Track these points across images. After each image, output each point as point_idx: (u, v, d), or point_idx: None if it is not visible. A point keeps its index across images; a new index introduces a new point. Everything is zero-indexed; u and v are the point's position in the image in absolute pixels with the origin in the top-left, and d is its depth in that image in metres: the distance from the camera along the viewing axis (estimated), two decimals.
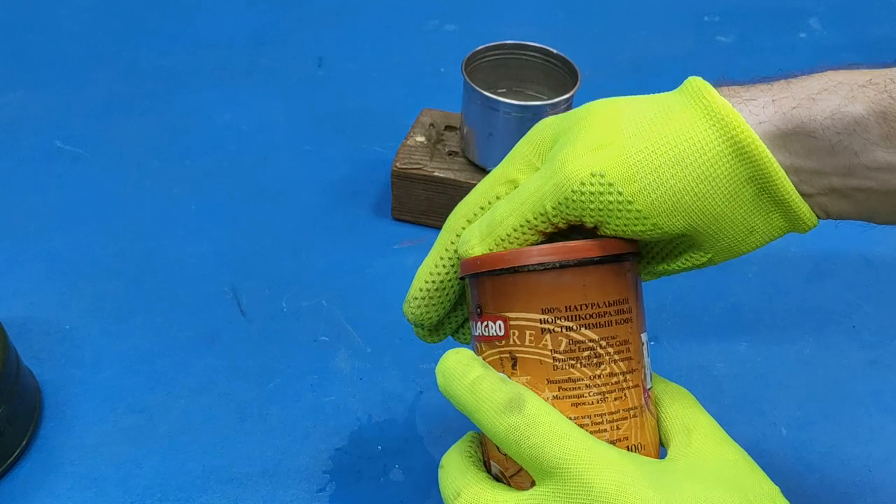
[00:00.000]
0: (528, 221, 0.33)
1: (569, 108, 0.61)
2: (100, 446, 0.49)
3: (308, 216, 0.66)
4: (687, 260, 0.35)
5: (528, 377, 0.33)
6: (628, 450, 0.33)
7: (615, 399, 0.33)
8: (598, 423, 0.33)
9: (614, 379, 0.33)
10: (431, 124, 0.66)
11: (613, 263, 0.33)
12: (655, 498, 0.29)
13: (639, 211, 0.31)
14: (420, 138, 0.65)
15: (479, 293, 0.34)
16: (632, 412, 0.33)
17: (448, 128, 0.66)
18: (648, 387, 0.35)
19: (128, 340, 0.55)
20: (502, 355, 0.33)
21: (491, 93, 0.58)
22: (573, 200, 0.32)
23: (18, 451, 0.48)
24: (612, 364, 0.33)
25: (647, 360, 0.35)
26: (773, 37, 0.94)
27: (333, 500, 0.47)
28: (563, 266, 0.32)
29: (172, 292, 0.59)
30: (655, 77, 0.86)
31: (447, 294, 0.38)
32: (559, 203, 0.32)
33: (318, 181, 0.70)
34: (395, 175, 0.63)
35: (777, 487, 0.32)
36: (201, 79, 0.82)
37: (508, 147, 0.61)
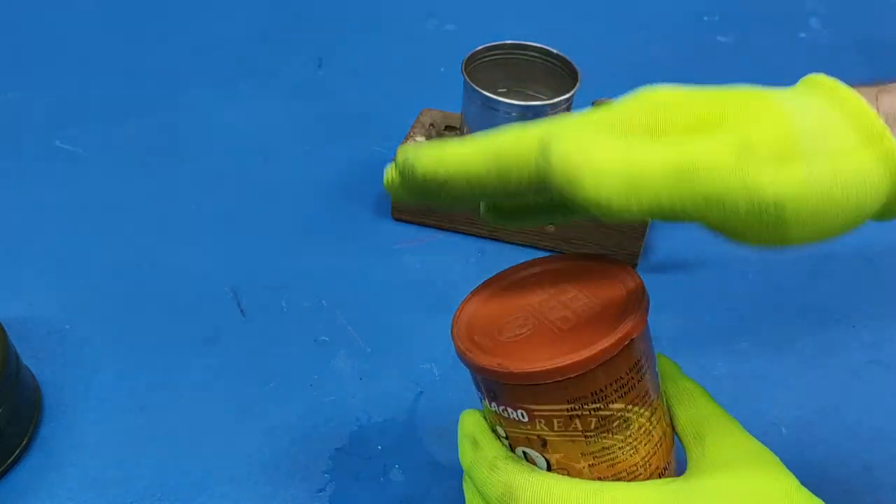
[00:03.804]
0: (676, 185, 0.27)
1: (569, 108, 0.61)
2: (100, 446, 0.49)
3: (308, 216, 0.66)
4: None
5: (561, 454, 0.33)
6: (659, 476, 0.34)
7: (645, 444, 0.33)
8: (633, 472, 0.33)
9: (643, 430, 0.33)
10: (431, 124, 0.66)
11: (630, 341, 0.32)
12: None
13: (784, 238, 0.28)
14: (420, 138, 0.65)
15: (491, 384, 0.33)
16: (658, 444, 0.34)
17: (448, 128, 0.66)
18: (663, 402, 0.35)
19: (128, 340, 0.55)
20: (529, 436, 0.33)
21: (491, 93, 0.58)
22: (749, 212, 0.27)
23: (18, 450, 0.48)
24: (640, 418, 0.33)
25: (657, 378, 0.35)
26: (773, 37, 0.94)
27: (333, 500, 0.47)
28: (592, 370, 0.31)
29: (172, 292, 0.59)
30: (655, 77, 0.85)
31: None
32: (734, 205, 0.27)
33: (318, 181, 0.70)
34: None
35: (793, 479, 0.32)
36: (201, 79, 0.82)
37: None
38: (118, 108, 0.77)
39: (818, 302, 0.61)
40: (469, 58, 0.62)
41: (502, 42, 0.63)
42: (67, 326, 0.56)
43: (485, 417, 0.36)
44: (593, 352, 0.31)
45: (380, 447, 0.50)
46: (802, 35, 0.95)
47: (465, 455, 0.35)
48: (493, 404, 0.34)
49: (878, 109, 0.29)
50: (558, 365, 0.31)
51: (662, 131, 0.29)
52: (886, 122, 0.28)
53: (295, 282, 0.60)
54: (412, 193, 0.33)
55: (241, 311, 0.58)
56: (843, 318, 0.60)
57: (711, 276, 0.63)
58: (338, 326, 0.57)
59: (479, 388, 0.35)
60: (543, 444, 0.33)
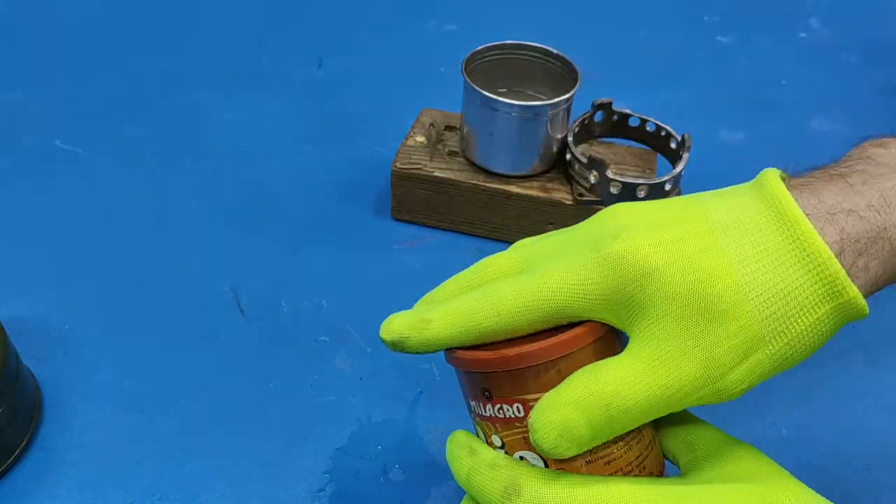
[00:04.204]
0: (654, 412, 0.32)
1: (568, 108, 0.61)
2: (100, 446, 0.49)
3: (308, 216, 0.66)
4: None
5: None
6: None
7: (637, 443, 0.33)
8: (628, 472, 0.33)
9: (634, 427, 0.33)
10: (431, 124, 0.66)
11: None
12: None
13: (742, 392, 0.32)
14: (420, 138, 0.65)
15: (486, 381, 0.33)
16: (649, 447, 0.34)
17: (448, 128, 0.66)
18: None
19: (128, 340, 0.55)
20: (525, 435, 0.33)
21: (491, 93, 0.58)
22: (717, 401, 0.32)
23: (18, 450, 0.48)
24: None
25: None
26: (773, 37, 0.94)
27: (333, 500, 0.47)
28: (582, 348, 0.32)
29: (172, 292, 0.59)
30: (655, 77, 0.86)
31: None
32: (702, 402, 0.32)
33: (318, 181, 0.70)
34: (395, 175, 0.63)
35: (799, 484, 0.32)
36: (201, 79, 0.82)
37: (508, 147, 0.61)
38: (118, 108, 0.77)
39: None
40: (469, 58, 0.62)
41: (502, 42, 0.63)
42: (67, 326, 0.56)
43: (477, 434, 0.36)
44: (591, 327, 0.32)
45: (380, 447, 0.50)
46: (802, 35, 0.95)
47: (462, 464, 0.34)
48: (488, 407, 0.33)
49: (842, 245, 0.30)
50: (558, 340, 0.31)
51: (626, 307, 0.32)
52: (854, 258, 0.30)
53: (295, 282, 0.60)
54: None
55: (241, 311, 0.58)
56: None
57: None
58: (338, 326, 0.57)
59: (470, 396, 0.35)
60: None
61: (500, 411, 0.33)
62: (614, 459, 0.33)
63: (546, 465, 0.33)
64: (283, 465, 0.49)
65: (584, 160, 0.59)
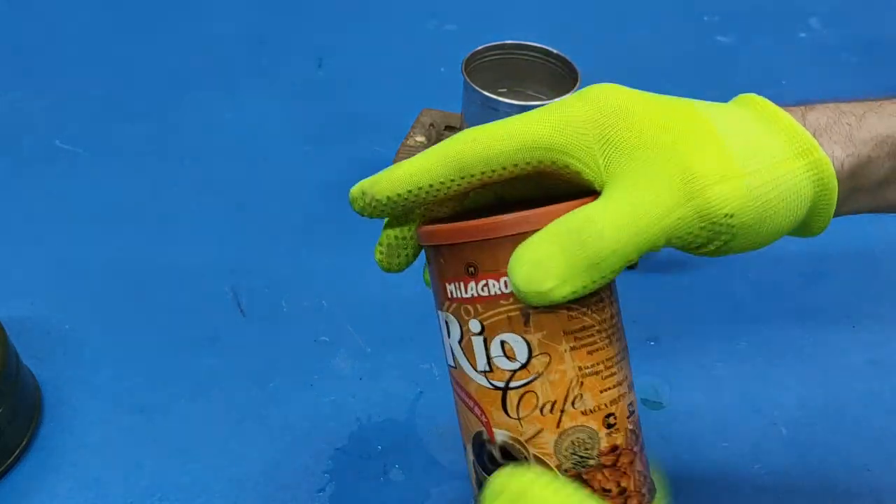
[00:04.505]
0: (641, 242, 0.30)
1: None
2: (100, 446, 0.49)
3: (308, 216, 0.66)
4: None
5: (544, 332, 0.32)
6: (629, 406, 0.33)
7: (617, 340, 0.33)
8: (609, 368, 0.32)
9: (613, 320, 0.33)
10: (431, 124, 0.66)
11: None
12: None
13: (731, 246, 0.32)
14: (420, 138, 0.65)
15: (471, 254, 0.32)
16: (624, 353, 0.33)
17: (448, 128, 0.66)
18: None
19: (128, 340, 0.55)
20: (510, 314, 0.32)
21: (491, 93, 0.58)
22: (704, 229, 0.30)
23: (18, 450, 0.48)
24: (611, 305, 0.33)
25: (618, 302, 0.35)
26: (773, 37, 0.94)
27: (333, 500, 0.47)
28: None
29: (172, 292, 0.59)
30: (656, 77, 0.86)
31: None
32: (692, 231, 0.30)
33: (318, 181, 0.70)
34: None
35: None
36: (201, 79, 0.82)
37: None
38: (118, 108, 0.77)
39: (818, 302, 0.61)
40: (469, 58, 0.62)
41: (502, 42, 0.63)
42: (67, 326, 0.56)
43: (447, 329, 0.34)
44: (584, 200, 0.31)
45: (380, 447, 0.50)
46: (802, 35, 0.95)
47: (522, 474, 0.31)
48: (471, 286, 0.32)
49: (804, 125, 0.33)
50: (554, 207, 0.31)
51: (611, 146, 0.32)
52: (814, 135, 0.32)
53: (295, 282, 0.60)
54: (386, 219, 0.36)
55: (241, 311, 0.58)
56: (843, 319, 0.60)
57: (711, 276, 0.63)
58: (338, 326, 0.57)
59: (449, 278, 0.33)
60: (526, 321, 0.32)
61: (485, 288, 0.32)
62: (597, 350, 0.32)
63: (530, 352, 0.32)
64: (283, 466, 0.49)
65: None
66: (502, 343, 0.32)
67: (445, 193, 0.33)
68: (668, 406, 0.53)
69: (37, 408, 0.50)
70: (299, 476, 0.48)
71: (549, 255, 0.29)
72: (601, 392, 0.32)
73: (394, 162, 0.63)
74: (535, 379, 0.32)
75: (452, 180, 0.32)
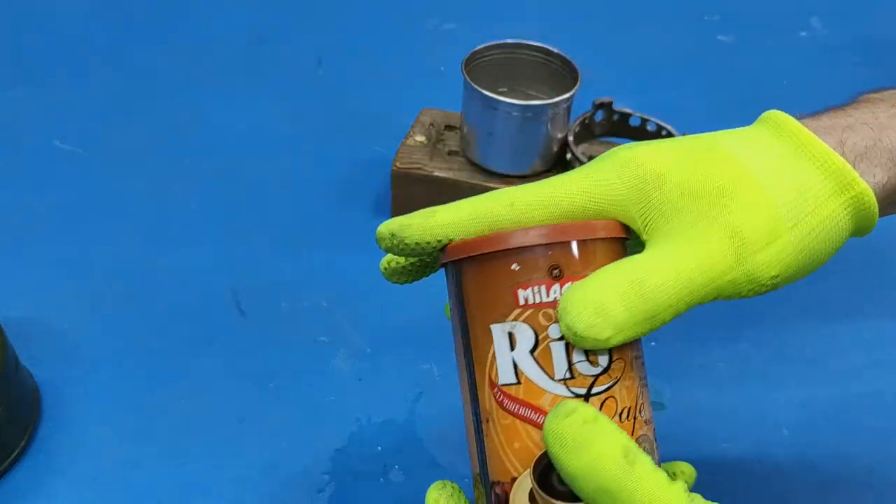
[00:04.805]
0: (694, 300, 0.31)
1: (569, 107, 0.61)
2: (99, 446, 0.49)
3: (308, 216, 0.66)
4: None
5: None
6: (646, 421, 0.33)
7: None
8: (646, 380, 0.33)
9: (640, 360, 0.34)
10: (431, 124, 0.66)
11: None
12: None
13: (775, 286, 0.32)
14: (420, 138, 0.65)
15: (559, 255, 0.31)
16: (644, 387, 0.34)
17: (448, 127, 0.66)
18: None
19: (127, 341, 0.55)
20: None
21: (491, 92, 0.58)
22: (752, 291, 0.32)
23: (17, 451, 0.48)
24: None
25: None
26: (773, 36, 0.94)
27: (333, 500, 0.47)
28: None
29: (172, 292, 0.59)
30: (656, 77, 0.86)
31: None
32: (741, 291, 0.31)
33: (318, 181, 0.70)
34: (395, 175, 0.63)
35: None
36: (201, 79, 0.82)
37: (509, 146, 0.61)
38: (118, 108, 0.77)
39: (819, 302, 0.61)
40: (469, 57, 0.62)
41: (502, 42, 0.63)
42: (67, 326, 0.56)
43: (511, 342, 0.31)
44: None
45: (380, 447, 0.50)
46: (803, 34, 0.94)
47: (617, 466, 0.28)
48: (555, 288, 0.30)
49: (843, 151, 0.32)
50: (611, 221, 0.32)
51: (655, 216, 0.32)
52: (854, 162, 0.32)
53: (295, 282, 0.60)
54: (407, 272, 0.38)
55: (241, 311, 0.58)
56: (844, 318, 0.60)
57: None
58: (338, 326, 0.57)
59: (530, 282, 0.31)
60: None
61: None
62: (643, 363, 0.33)
63: (610, 354, 0.31)
64: (282, 466, 0.48)
65: (585, 160, 0.59)
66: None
67: None
68: (669, 406, 0.53)
69: (35, 408, 0.50)
70: (299, 476, 0.48)
71: (610, 303, 0.29)
72: (650, 403, 0.33)
73: (394, 161, 0.63)
74: (615, 384, 0.31)
75: (480, 231, 0.33)
